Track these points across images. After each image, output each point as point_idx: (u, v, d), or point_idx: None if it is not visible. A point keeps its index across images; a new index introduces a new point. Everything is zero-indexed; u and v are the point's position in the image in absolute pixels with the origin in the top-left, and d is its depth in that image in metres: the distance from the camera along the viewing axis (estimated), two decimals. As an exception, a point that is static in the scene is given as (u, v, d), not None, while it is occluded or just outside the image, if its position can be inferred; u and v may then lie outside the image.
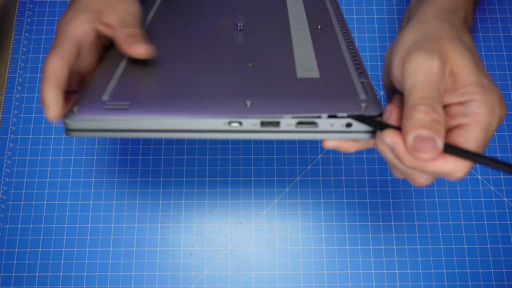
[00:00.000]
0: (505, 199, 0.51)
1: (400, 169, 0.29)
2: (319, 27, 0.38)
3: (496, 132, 0.53)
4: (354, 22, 0.58)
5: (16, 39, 0.57)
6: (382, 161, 0.52)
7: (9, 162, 0.52)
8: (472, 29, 0.32)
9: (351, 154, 0.53)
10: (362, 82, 0.31)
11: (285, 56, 0.34)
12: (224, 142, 0.53)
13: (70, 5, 0.35)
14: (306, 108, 0.28)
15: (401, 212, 0.51)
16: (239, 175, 0.52)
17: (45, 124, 0.54)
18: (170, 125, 0.29)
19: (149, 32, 0.38)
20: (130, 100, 0.29)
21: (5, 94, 0.55)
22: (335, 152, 0.53)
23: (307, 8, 0.41)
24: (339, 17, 0.40)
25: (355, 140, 0.30)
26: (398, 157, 0.26)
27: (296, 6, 0.42)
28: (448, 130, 0.27)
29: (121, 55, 0.35)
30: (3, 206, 0.51)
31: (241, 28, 0.38)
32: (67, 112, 0.29)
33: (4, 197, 0.51)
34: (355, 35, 0.57)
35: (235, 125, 0.28)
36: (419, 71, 0.26)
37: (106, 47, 0.36)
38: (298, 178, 0.52)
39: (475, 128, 0.26)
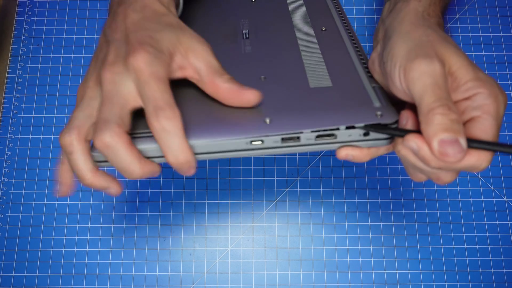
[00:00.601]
0: (506, 199, 0.51)
1: (425, 171, 0.29)
2: (324, 28, 0.38)
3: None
4: (354, 22, 0.58)
5: (16, 39, 0.57)
6: (382, 161, 0.52)
7: (8, 162, 0.52)
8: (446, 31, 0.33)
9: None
10: (374, 87, 0.31)
11: (295, 64, 0.34)
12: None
13: (116, 33, 0.29)
14: (324, 121, 0.29)
15: (401, 212, 0.50)
16: (239, 175, 0.52)
17: (45, 124, 0.54)
18: (192, 149, 0.29)
19: None
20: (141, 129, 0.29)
21: (4, 94, 0.55)
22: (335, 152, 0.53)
23: (309, 8, 0.41)
24: (342, 16, 0.39)
25: (369, 149, 0.30)
26: (423, 160, 0.27)
27: (298, 6, 0.41)
28: (463, 125, 0.28)
29: None
30: (2, 206, 0.51)
31: (247, 35, 0.38)
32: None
33: (4, 197, 0.51)
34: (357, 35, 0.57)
35: (257, 143, 0.29)
36: (425, 76, 0.27)
37: None
38: (298, 178, 0.52)
39: (487, 118, 0.27)
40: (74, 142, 0.27)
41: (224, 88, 0.29)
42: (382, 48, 0.33)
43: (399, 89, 0.30)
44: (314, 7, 0.41)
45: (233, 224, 0.50)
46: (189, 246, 0.50)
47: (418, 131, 0.27)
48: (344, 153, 0.30)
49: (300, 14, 0.40)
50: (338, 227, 0.50)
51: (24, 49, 0.57)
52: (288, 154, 0.52)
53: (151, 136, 0.28)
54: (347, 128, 0.29)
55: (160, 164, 0.29)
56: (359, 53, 0.35)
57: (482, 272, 0.49)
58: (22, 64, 0.56)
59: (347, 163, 0.52)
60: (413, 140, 0.27)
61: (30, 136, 0.53)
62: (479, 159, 0.26)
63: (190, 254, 0.50)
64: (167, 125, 0.25)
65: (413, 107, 0.31)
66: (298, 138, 0.29)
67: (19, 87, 0.55)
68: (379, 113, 0.29)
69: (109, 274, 0.49)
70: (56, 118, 0.54)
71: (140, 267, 0.49)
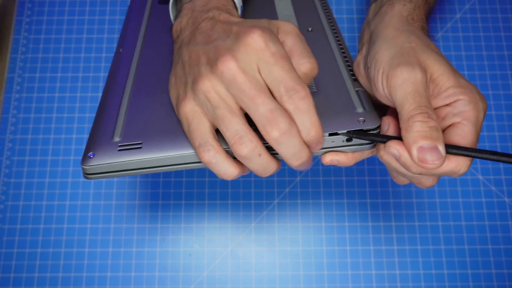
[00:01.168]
0: (506, 200, 0.51)
1: (407, 175, 0.30)
2: (310, 29, 0.38)
3: (488, 132, 0.53)
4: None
5: (15, 38, 0.57)
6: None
7: (8, 162, 0.52)
8: (430, 37, 0.35)
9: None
10: (357, 92, 0.31)
11: None
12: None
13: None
14: None
15: (402, 213, 0.50)
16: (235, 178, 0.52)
17: (44, 124, 0.53)
18: (184, 160, 0.29)
19: (146, 53, 0.37)
20: (141, 138, 0.30)
21: (4, 94, 0.55)
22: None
23: (296, 8, 0.40)
24: (329, 17, 0.39)
25: (353, 153, 0.31)
26: (404, 165, 0.28)
27: (284, 5, 0.41)
28: (442, 131, 0.29)
29: (121, 93, 0.34)
30: (2, 206, 0.51)
31: None
32: (83, 158, 0.29)
33: (3, 197, 0.51)
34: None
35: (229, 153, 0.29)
36: (406, 83, 0.28)
37: None
38: (298, 178, 0.52)
39: (467, 124, 0.28)
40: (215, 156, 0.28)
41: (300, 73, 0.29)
42: (367, 52, 0.33)
43: (381, 94, 0.30)
44: (301, 6, 0.40)
45: (233, 224, 0.50)
46: (189, 246, 0.50)
47: (399, 137, 0.28)
48: (329, 159, 0.31)
49: (287, 13, 0.40)
50: (338, 227, 0.50)
51: (24, 49, 0.56)
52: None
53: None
54: (330, 134, 0.29)
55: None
56: (344, 55, 0.35)
57: (483, 272, 0.48)
58: (21, 64, 0.56)
59: (348, 163, 0.52)
60: (394, 147, 0.27)
61: (29, 136, 0.53)
62: (458, 165, 0.27)
63: (190, 255, 0.49)
64: (301, 105, 0.25)
65: (395, 112, 0.31)
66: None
67: (18, 87, 0.55)
68: (361, 119, 0.29)
69: (109, 274, 0.49)
70: (56, 118, 0.54)
71: (140, 268, 0.49)
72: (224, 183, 0.51)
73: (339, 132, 0.29)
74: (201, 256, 0.49)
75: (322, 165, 0.52)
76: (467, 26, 0.57)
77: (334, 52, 0.35)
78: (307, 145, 0.27)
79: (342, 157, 0.31)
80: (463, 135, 0.28)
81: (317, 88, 0.32)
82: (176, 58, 0.31)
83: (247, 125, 0.26)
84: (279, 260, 0.49)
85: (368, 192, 0.51)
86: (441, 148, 0.26)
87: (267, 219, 0.50)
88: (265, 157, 0.27)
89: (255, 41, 0.26)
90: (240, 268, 0.49)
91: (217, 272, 0.49)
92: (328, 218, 0.50)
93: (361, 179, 0.51)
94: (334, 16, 0.58)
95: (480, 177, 0.51)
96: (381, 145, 0.30)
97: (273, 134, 0.25)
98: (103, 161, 0.29)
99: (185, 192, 0.51)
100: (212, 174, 0.52)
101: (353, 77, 0.33)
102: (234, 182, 0.52)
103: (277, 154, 0.29)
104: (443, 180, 0.51)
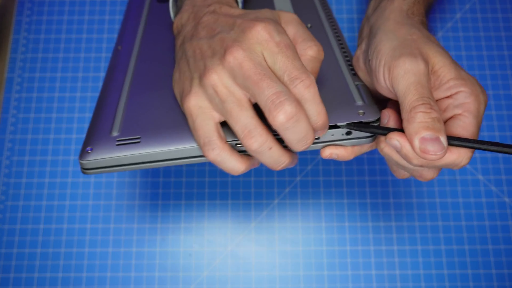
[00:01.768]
0: (506, 200, 0.50)
1: (407, 168, 0.30)
2: (309, 25, 0.38)
3: (489, 132, 0.53)
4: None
5: (15, 38, 0.57)
6: (383, 161, 0.52)
7: (7, 162, 0.52)
8: (430, 30, 0.35)
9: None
10: (357, 85, 0.32)
11: None
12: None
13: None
14: None
15: (402, 213, 0.50)
16: (239, 175, 0.52)
17: (44, 124, 0.53)
18: (182, 154, 0.29)
19: (144, 49, 0.37)
20: (139, 133, 0.30)
21: (3, 94, 0.55)
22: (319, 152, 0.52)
23: (295, 4, 0.41)
24: (328, 13, 0.39)
25: (353, 147, 0.31)
26: (405, 157, 0.27)
27: (283, 2, 0.41)
28: (444, 123, 0.29)
29: (119, 89, 0.34)
30: (1, 206, 0.51)
31: None
32: (82, 153, 0.29)
33: (3, 197, 0.51)
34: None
35: (239, 146, 0.29)
36: (409, 74, 0.28)
37: None
38: (298, 178, 0.52)
39: (468, 116, 0.28)
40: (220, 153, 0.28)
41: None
42: (367, 46, 0.33)
43: (383, 86, 0.30)
44: (300, 3, 0.41)
45: (232, 224, 0.50)
46: (189, 246, 0.50)
47: (400, 129, 0.28)
48: (328, 153, 0.31)
49: (286, 9, 0.40)
50: (338, 228, 0.50)
51: (23, 49, 0.56)
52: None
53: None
54: (330, 127, 0.29)
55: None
56: (343, 50, 0.35)
57: (483, 273, 0.48)
58: (21, 64, 0.56)
59: (348, 163, 0.52)
60: (395, 138, 0.27)
61: (29, 136, 0.53)
62: (459, 157, 0.27)
63: (190, 255, 0.49)
64: (306, 94, 0.25)
65: (395, 105, 0.31)
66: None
67: (18, 87, 0.55)
68: (361, 111, 0.29)
69: (109, 274, 0.49)
70: (55, 118, 0.54)
71: (140, 268, 0.49)
72: (224, 183, 0.51)
73: (339, 124, 0.29)
74: (201, 256, 0.49)
75: (322, 165, 0.52)
76: (467, 26, 0.57)
77: (334, 47, 0.35)
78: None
79: (341, 150, 0.31)
80: (464, 127, 0.28)
81: (316, 82, 0.32)
82: (179, 54, 0.31)
83: (256, 118, 0.26)
84: (279, 260, 0.49)
85: (368, 192, 0.51)
86: (443, 139, 0.26)
87: (267, 219, 0.50)
88: (276, 150, 0.27)
89: (259, 33, 0.26)
90: (240, 268, 0.49)
91: (217, 272, 0.49)
92: (328, 218, 0.50)
93: (361, 179, 0.51)
94: (335, 16, 0.58)
95: (480, 177, 0.51)
96: (382, 138, 0.30)
97: (279, 118, 0.24)
98: (101, 155, 0.29)
99: (185, 192, 0.51)
100: (212, 174, 0.52)
101: (353, 72, 0.33)
102: (234, 182, 0.51)
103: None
104: (443, 180, 0.51)
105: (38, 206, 0.51)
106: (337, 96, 0.31)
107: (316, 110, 0.26)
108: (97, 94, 0.55)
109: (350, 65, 0.34)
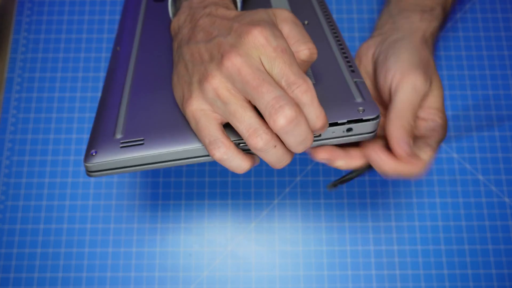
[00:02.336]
0: (506, 200, 0.50)
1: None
2: (306, 22, 0.38)
3: (489, 132, 0.53)
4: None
5: (15, 38, 0.57)
6: (383, 161, 0.52)
7: (7, 162, 0.52)
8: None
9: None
10: (356, 82, 0.32)
11: None
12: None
13: None
14: None
15: (402, 213, 0.50)
16: (239, 175, 0.52)
17: (44, 124, 0.53)
18: (186, 154, 0.29)
19: (143, 49, 0.37)
20: (143, 134, 0.30)
21: (3, 94, 0.55)
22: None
23: (292, 4, 0.41)
24: (325, 10, 0.39)
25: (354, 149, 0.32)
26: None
27: (280, 0, 0.41)
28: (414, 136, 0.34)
29: (121, 91, 0.34)
30: (1, 206, 0.51)
31: None
32: (86, 156, 0.30)
33: (3, 198, 0.51)
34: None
35: (241, 146, 0.29)
36: (415, 89, 0.33)
37: None
38: (298, 178, 0.52)
39: (432, 143, 0.33)
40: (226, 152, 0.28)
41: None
42: (385, 41, 0.36)
43: (382, 83, 0.34)
44: (297, 2, 0.41)
45: (232, 224, 0.50)
46: (189, 246, 0.50)
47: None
48: (322, 155, 0.33)
49: (282, 7, 0.40)
50: (338, 228, 0.50)
51: (23, 49, 0.56)
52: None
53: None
54: (330, 125, 0.29)
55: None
56: (341, 47, 0.35)
57: (483, 273, 0.48)
58: (21, 64, 0.56)
59: (348, 163, 0.52)
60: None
61: (29, 136, 0.53)
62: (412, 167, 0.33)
63: (190, 255, 0.49)
64: (304, 98, 0.26)
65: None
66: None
67: (18, 87, 0.55)
68: (361, 108, 0.29)
69: (109, 274, 0.49)
70: (55, 118, 0.54)
71: (140, 268, 0.49)
72: (224, 183, 0.51)
73: (339, 122, 0.29)
74: (201, 256, 0.49)
75: (322, 165, 0.52)
76: (467, 26, 0.57)
77: (331, 44, 0.35)
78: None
79: (335, 153, 0.33)
80: (427, 149, 0.33)
81: (315, 80, 0.32)
82: (176, 57, 0.31)
83: (260, 117, 0.26)
84: (279, 260, 0.49)
85: (368, 192, 0.51)
86: (411, 146, 0.32)
87: (267, 219, 0.50)
88: (280, 148, 0.27)
89: (256, 38, 0.26)
90: (240, 268, 0.49)
91: (217, 272, 0.49)
92: (328, 218, 0.50)
93: (361, 180, 0.51)
94: (335, 16, 0.58)
95: (480, 177, 0.51)
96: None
97: (279, 122, 0.24)
98: (106, 158, 0.29)
99: (185, 192, 0.51)
100: (212, 174, 0.52)
101: (351, 68, 0.33)
102: (234, 182, 0.51)
103: None
104: (443, 180, 0.51)
105: (38, 206, 0.51)
106: (336, 94, 0.31)
107: (315, 114, 0.26)
108: (97, 94, 0.55)
109: (348, 61, 0.34)
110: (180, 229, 0.50)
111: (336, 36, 0.36)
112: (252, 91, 0.25)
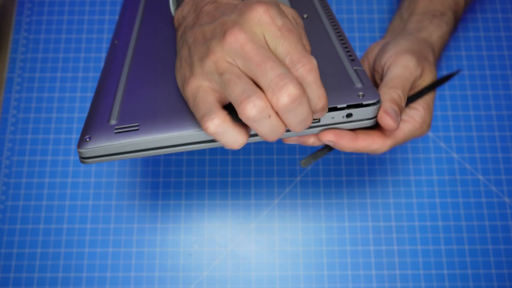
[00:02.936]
0: (506, 200, 0.50)
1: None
2: (305, 16, 0.38)
3: (489, 132, 0.53)
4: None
5: (15, 38, 0.57)
6: (383, 161, 0.52)
7: (7, 162, 0.52)
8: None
9: (352, 154, 0.52)
10: (355, 70, 0.32)
11: None
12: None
13: None
14: None
15: (402, 213, 0.50)
16: (239, 175, 0.52)
17: (44, 124, 0.53)
18: (181, 140, 0.29)
19: (141, 42, 0.37)
20: (138, 120, 0.29)
21: (3, 94, 0.55)
22: (336, 152, 0.52)
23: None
24: (324, 4, 0.39)
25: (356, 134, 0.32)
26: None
27: None
28: None
29: (117, 79, 0.34)
30: (1, 206, 0.51)
31: None
32: (80, 142, 0.29)
33: (3, 198, 0.51)
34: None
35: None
36: (407, 68, 0.35)
37: None
38: (298, 178, 0.52)
39: (411, 126, 0.35)
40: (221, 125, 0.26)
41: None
42: (392, 39, 0.39)
43: (379, 60, 0.37)
44: None
45: (232, 224, 0.50)
46: (189, 246, 0.50)
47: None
48: (328, 137, 0.32)
49: (282, 0, 0.40)
50: (338, 228, 0.50)
51: (23, 49, 0.56)
52: (288, 154, 0.52)
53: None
54: (330, 110, 0.29)
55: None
56: (340, 38, 0.35)
57: (483, 273, 0.48)
58: (21, 64, 0.56)
59: (348, 163, 0.52)
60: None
61: (29, 136, 0.53)
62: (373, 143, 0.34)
63: (190, 255, 0.49)
64: (308, 77, 0.25)
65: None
66: None
67: (18, 87, 0.55)
68: (361, 93, 0.29)
69: (109, 274, 0.49)
70: (55, 118, 0.54)
71: (140, 268, 0.49)
72: (224, 183, 0.51)
73: (338, 106, 0.29)
74: (201, 256, 0.49)
75: (322, 165, 0.52)
76: (468, 26, 0.57)
77: (331, 36, 0.35)
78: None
79: (342, 136, 0.32)
80: (404, 130, 0.35)
81: None
82: (180, 43, 0.31)
83: (256, 86, 0.25)
84: (279, 261, 0.49)
85: (368, 192, 0.51)
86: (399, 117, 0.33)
87: (267, 219, 0.50)
88: (275, 118, 0.25)
89: (261, 16, 0.26)
90: (240, 268, 0.49)
91: (217, 272, 0.49)
92: (328, 218, 0.50)
93: (361, 179, 0.51)
94: (334, 16, 0.58)
95: (480, 177, 0.51)
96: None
97: (282, 100, 0.24)
98: (100, 144, 0.29)
99: (185, 192, 0.51)
100: (212, 174, 0.52)
101: (351, 58, 0.33)
102: (234, 182, 0.51)
103: None
104: (443, 180, 0.51)
105: (38, 206, 0.51)
106: (336, 80, 0.31)
107: (317, 93, 0.25)
108: (97, 94, 0.55)
109: (348, 51, 0.34)
110: (180, 229, 0.50)
111: (336, 29, 0.36)
112: (255, 67, 0.24)
